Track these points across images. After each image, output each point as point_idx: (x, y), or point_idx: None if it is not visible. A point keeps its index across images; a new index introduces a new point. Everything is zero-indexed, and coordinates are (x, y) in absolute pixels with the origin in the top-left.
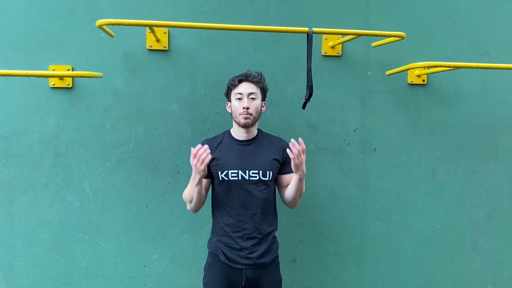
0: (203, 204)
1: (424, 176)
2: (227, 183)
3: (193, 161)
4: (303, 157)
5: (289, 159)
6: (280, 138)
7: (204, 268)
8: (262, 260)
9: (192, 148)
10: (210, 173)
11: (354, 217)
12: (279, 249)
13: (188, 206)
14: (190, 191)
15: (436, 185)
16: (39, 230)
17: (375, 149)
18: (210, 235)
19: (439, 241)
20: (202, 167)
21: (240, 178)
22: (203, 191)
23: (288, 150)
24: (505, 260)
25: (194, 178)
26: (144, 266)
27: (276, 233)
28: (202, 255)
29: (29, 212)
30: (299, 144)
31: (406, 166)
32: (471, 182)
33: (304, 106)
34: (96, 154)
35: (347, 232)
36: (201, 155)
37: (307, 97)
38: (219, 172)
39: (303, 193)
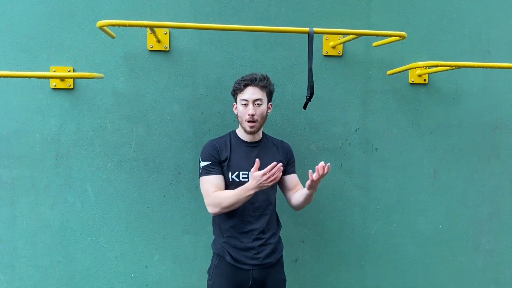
0: None
1: (425, 176)
2: (237, 184)
3: (262, 177)
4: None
5: (292, 160)
6: (282, 140)
7: (208, 271)
8: (268, 260)
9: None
10: (223, 172)
11: (356, 217)
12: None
13: (217, 210)
14: (238, 199)
15: (438, 184)
16: (40, 231)
17: (376, 149)
18: (213, 237)
19: (441, 241)
20: (270, 184)
21: (249, 179)
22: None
23: (310, 172)
24: (507, 259)
25: (250, 190)
26: (146, 266)
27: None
28: (203, 256)
29: (30, 213)
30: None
31: (408, 166)
32: (473, 182)
33: (305, 106)
34: (98, 155)
35: (348, 232)
36: (274, 173)
37: (308, 97)
38: (230, 173)
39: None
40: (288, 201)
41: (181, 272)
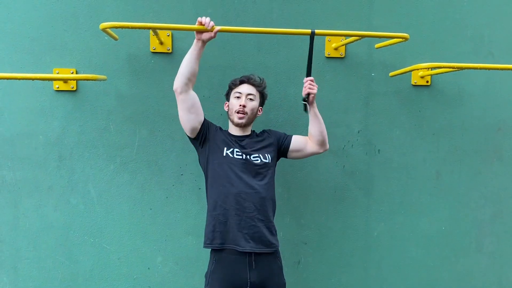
0: (189, 80)
1: (428, 177)
2: (231, 160)
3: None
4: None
5: (282, 134)
6: (263, 130)
7: (205, 275)
8: (262, 247)
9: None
10: (205, 131)
11: (359, 218)
12: (282, 253)
13: (178, 77)
14: (187, 56)
15: (441, 186)
16: (43, 233)
17: (379, 150)
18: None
19: (444, 243)
20: (209, 29)
21: (244, 158)
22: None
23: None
24: (510, 261)
25: (195, 43)
26: (148, 268)
27: (280, 235)
28: (206, 257)
29: (33, 214)
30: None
31: (410, 167)
32: (476, 183)
33: (305, 109)
34: (100, 157)
35: (351, 233)
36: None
37: (305, 99)
38: (225, 148)
39: (324, 127)
40: (315, 151)
41: (184, 273)
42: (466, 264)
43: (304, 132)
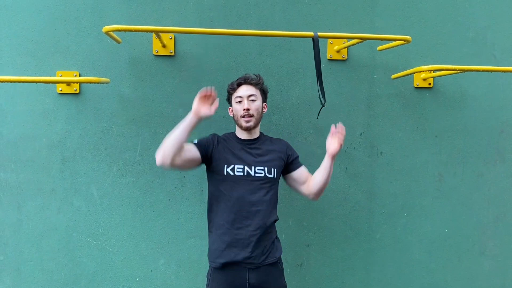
0: (176, 155)
1: (431, 180)
2: (232, 178)
3: (198, 100)
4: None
5: (294, 155)
6: (280, 139)
7: (207, 275)
8: (264, 259)
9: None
10: (207, 157)
11: (361, 221)
12: (283, 253)
13: (160, 153)
14: (177, 128)
15: (443, 188)
16: (46, 235)
17: (381, 152)
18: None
19: (447, 245)
20: (207, 111)
21: (245, 174)
22: (185, 141)
23: (332, 133)
24: None
25: (190, 118)
26: (151, 270)
27: (282, 237)
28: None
29: (37, 217)
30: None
31: (413, 169)
32: (479, 186)
33: (318, 115)
34: (103, 159)
35: (354, 236)
36: (210, 94)
37: (323, 104)
38: (225, 166)
39: (328, 182)
40: (306, 194)
41: (186, 276)
42: (469, 267)
43: (305, 134)
